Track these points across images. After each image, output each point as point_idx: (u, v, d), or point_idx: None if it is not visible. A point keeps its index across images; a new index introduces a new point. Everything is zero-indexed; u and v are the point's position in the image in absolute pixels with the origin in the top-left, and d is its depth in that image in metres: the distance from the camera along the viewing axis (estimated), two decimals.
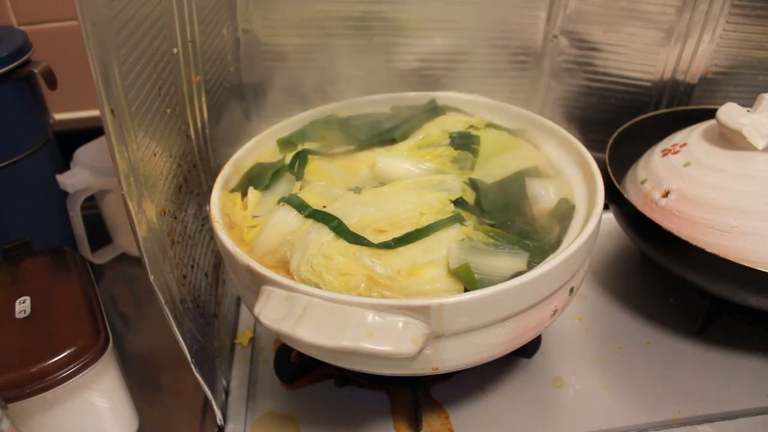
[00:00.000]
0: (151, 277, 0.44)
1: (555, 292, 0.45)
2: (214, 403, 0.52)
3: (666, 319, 0.64)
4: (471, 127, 0.60)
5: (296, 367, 0.59)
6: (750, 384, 0.56)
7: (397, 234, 0.46)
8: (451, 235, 0.46)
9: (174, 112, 0.52)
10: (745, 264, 0.50)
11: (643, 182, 0.61)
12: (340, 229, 0.46)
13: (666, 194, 0.58)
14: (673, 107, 0.75)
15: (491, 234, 0.46)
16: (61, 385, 0.46)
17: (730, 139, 0.56)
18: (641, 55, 0.72)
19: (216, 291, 0.61)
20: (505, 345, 0.45)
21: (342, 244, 0.46)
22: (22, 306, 0.51)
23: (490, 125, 0.60)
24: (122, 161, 0.40)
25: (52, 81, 0.66)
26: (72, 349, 0.46)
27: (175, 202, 0.53)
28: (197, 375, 0.49)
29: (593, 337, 0.62)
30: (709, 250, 0.51)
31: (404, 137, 0.59)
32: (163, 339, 0.63)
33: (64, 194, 0.70)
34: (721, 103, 0.58)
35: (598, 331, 0.63)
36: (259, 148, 0.60)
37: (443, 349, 0.42)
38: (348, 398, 0.57)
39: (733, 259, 0.50)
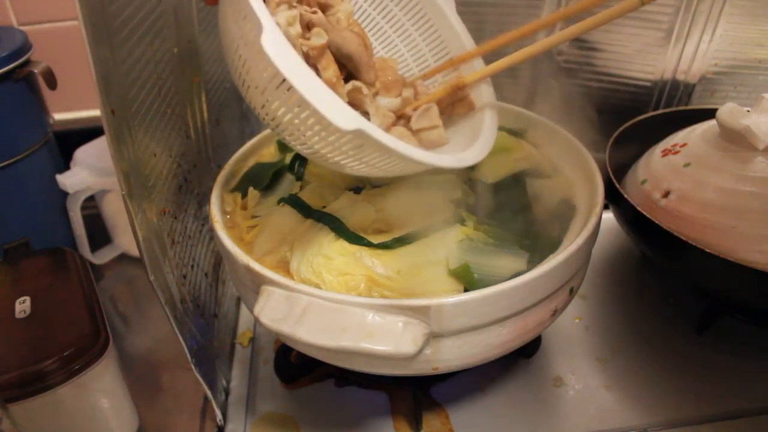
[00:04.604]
0: (151, 277, 0.44)
1: (555, 292, 0.45)
2: (214, 403, 0.52)
3: (666, 319, 0.64)
4: None
5: (296, 367, 0.59)
6: (750, 384, 0.56)
7: (397, 234, 0.46)
8: (451, 235, 0.46)
9: (174, 112, 0.52)
10: (745, 264, 0.50)
11: (643, 182, 0.61)
12: (340, 229, 0.46)
13: (666, 194, 0.58)
14: (673, 107, 0.75)
15: (491, 234, 0.46)
16: (61, 385, 0.46)
17: (730, 139, 0.56)
18: (641, 55, 0.71)
19: (216, 291, 0.61)
20: (505, 345, 0.45)
21: (342, 244, 0.46)
22: (22, 306, 0.51)
23: None
24: (122, 161, 0.40)
25: (52, 81, 0.66)
26: (72, 349, 0.46)
27: (175, 202, 0.53)
28: (197, 375, 0.49)
29: (593, 337, 0.62)
30: (709, 250, 0.51)
31: None
32: (163, 339, 0.64)
33: (64, 194, 0.70)
34: (721, 103, 0.58)
35: (598, 331, 0.63)
36: (259, 148, 0.60)
37: (443, 349, 0.42)
38: (348, 398, 0.57)
39: (733, 259, 0.50)
